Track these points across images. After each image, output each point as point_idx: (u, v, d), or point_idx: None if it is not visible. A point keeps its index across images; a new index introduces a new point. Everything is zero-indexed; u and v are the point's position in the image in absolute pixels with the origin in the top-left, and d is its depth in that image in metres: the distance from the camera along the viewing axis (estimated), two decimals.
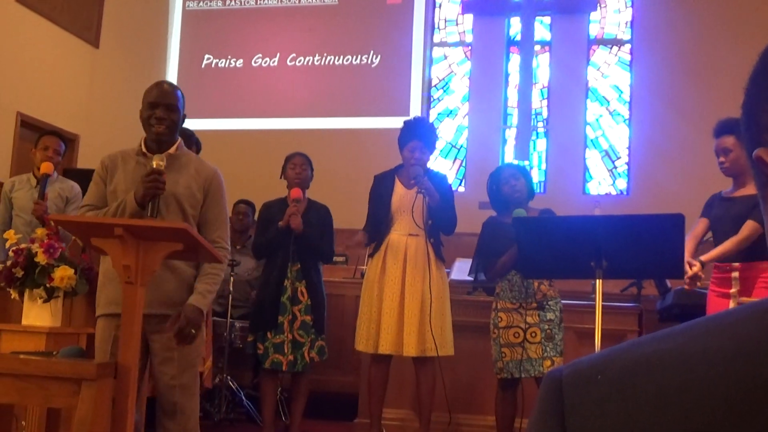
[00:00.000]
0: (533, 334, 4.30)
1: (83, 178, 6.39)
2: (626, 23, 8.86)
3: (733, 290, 3.98)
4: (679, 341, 0.57)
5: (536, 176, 8.53)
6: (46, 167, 4.74)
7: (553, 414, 0.59)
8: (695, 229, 4.21)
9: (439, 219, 4.56)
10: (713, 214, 4.17)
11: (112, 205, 3.14)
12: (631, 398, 0.55)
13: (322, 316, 4.79)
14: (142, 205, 3.08)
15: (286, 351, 4.67)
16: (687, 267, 3.97)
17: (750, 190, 4.03)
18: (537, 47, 8.85)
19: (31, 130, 7.47)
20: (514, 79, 8.87)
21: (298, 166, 4.90)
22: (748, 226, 3.94)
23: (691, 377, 0.53)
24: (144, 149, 3.23)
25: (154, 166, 3.08)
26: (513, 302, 4.36)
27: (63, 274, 3.68)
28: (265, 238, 4.86)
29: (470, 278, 4.84)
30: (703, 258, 3.98)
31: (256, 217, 6.55)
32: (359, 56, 9.16)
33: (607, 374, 0.57)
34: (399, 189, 4.65)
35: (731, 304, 3.95)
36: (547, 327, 4.30)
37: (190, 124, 9.33)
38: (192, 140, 4.95)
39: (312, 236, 4.78)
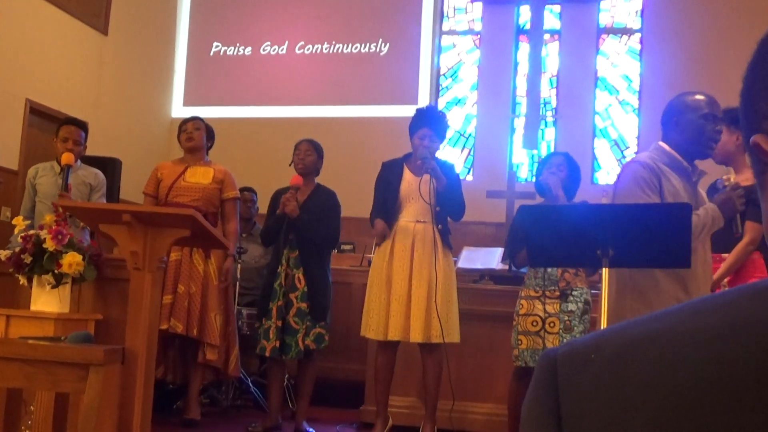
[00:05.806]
0: (552, 324, 4.18)
1: (92, 165, 6.40)
2: (636, 12, 8.82)
3: (725, 279, 3.97)
4: (671, 321, 0.57)
5: None
6: (67, 158, 4.77)
7: (547, 393, 0.59)
8: None
9: (447, 203, 4.56)
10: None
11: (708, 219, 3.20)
12: (623, 377, 0.56)
13: (320, 304, 4.74)
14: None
15: (271, 337, 4.67)
16: None
17: (743, 179, 3.97)
18: (546, 36, 8.81)
19: (41, 117, 7.49)
20: (523, 67, 8.84)
21: (302, 152, 4.94)
22: (751, 230, 3.89)
23: (682, 356, 0.54)
24: None
25: None
26: (536, 290, 4.25)
27: (71, 260, 3.71)
28: (266, 226, 4.92)
29: (503, 266, 4.79)
30: (713, 278, 3.92)
31: (258, 204, 6.59)
32: (368, 44, 9.15)
33: (600, 354, 0.58)
34: (407, 176, 4.65)
35: None
36: (566, 318, 4.17)
37: (197, 111, 9.34)
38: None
39: (307, 223, 4.74)
